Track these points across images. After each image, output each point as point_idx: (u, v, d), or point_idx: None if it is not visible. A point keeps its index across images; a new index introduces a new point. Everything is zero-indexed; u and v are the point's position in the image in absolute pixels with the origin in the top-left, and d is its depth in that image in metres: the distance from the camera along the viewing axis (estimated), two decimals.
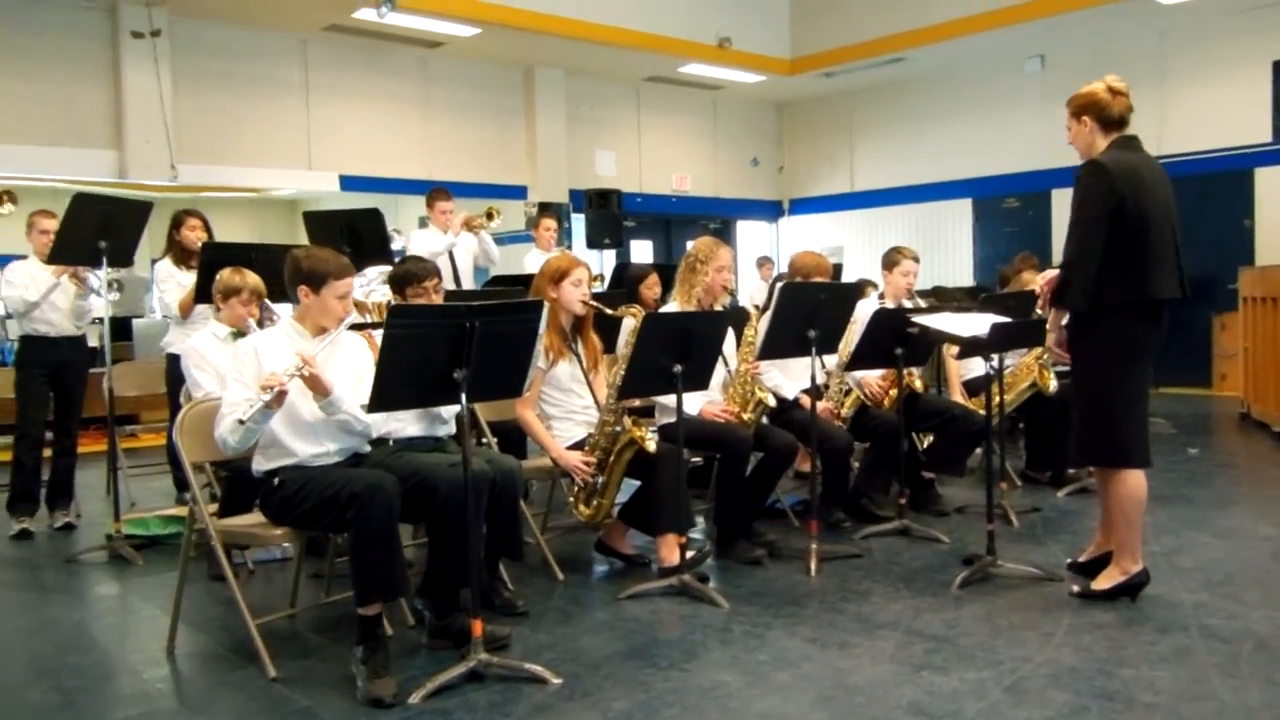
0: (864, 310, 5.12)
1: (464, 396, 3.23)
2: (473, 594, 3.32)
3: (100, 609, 4.41)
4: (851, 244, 14.41)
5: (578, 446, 4.40)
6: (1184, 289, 3.81)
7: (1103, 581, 3.91)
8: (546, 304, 4.28)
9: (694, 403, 4.65)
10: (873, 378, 5.37)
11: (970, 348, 4.46)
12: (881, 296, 5.71)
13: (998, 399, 4.89)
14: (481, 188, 11.71)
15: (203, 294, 5.08)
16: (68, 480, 5.76)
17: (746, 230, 15.51)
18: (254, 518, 3.65)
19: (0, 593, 4.64)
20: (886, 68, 12.85)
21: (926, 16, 11.74)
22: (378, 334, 3.53)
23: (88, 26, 9.51)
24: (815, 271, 5.24)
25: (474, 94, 12.04)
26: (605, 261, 11.18)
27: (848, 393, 5.38)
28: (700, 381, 4.27)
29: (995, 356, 4.44)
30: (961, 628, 3.64)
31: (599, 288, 7.45)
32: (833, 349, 4.96)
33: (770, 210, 15.46)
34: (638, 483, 4.48)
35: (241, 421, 3.27)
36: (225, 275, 4.70)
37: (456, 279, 7.37)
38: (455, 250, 7.41)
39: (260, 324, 4.79)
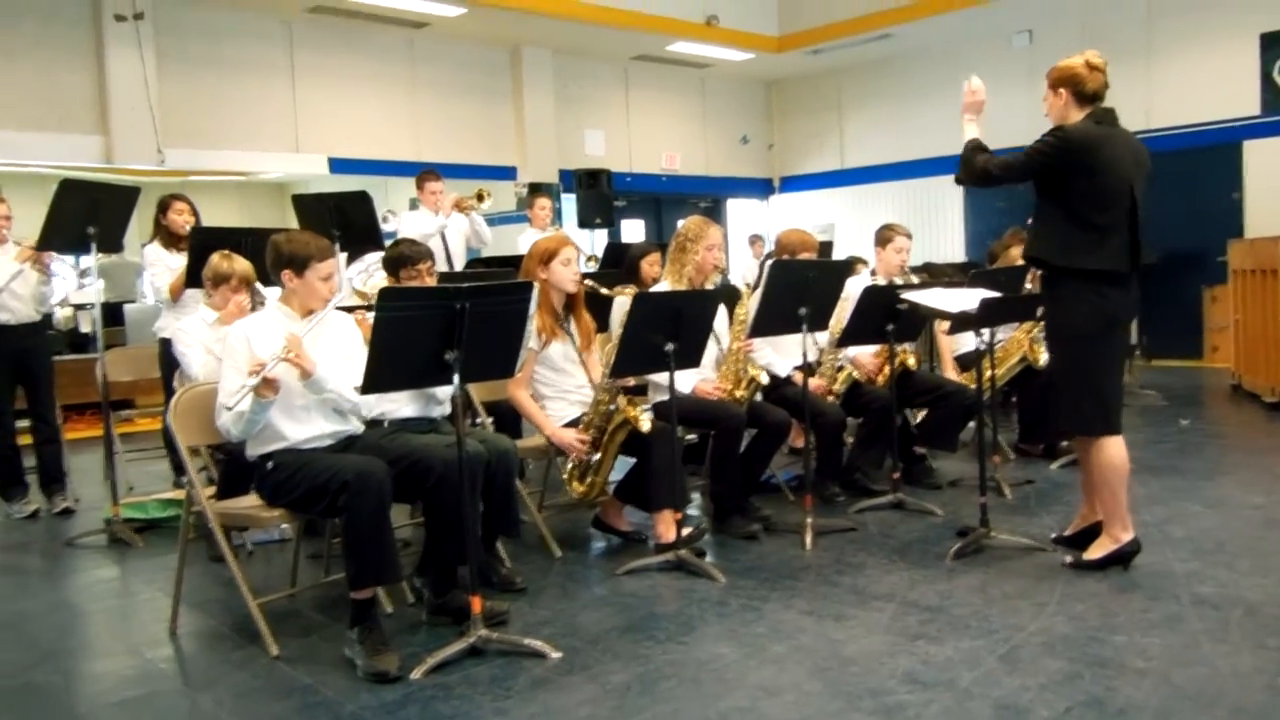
0: (855, 287, 5.14)
1: (456, 378, 3.25)
2: (470, 571, 3.35)
3: (101, 591, 4.43)
4: (842, 221, 14.42)
5: (572, 425, 4.42)
6: (1134, 263, 3.90)
7: (1095, 551, 3.96)
8: (537, 285, 4.29)
9: (687, 380, 4.67)
10: (866, 356, 5.40)
11: (961, 323, 4.49)
12: (874, 273, 5.73)
13: (989, 373, 4.93)
14: (470, 169, 11.68)
15: (193, 279, 5.08)
16: (57, 465, 5.76)
17: (737, 208, 15.51)
18: (251, 500, 3.67)
19: (2, 576, 4.66)
20: (874, 44, 12.83)
21: None
22: (369, 316, 3.55)
23: (70, 10, 9.42)
24: (801, 248, 5.26)
25: (461, 74, 11.98)
26: (596, 241, 11.17)
27: (840, 369, 5.40)
28: (692, 359, 4.30)
29: (986, 331, 4.47)
30: (955, 598, 3.68)
31: (593, 268, 7.47)
32: (823, 326, 4.98)
33: (761, 188, 15.45)
34: (633, 460, 4.51)
35: (229, 408, 3.30)
36: (214, 261, 4.70)
37: (449, 260, 7.38)
38: (447, 232, 7.41)
39: (252, 308, 4.80)
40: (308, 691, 3.11)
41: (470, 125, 12.06)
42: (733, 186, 15.12)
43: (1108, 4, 11.44)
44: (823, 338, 5.28)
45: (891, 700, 2.87)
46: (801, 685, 3.01)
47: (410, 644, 3.43)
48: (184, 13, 9.96)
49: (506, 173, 12.29)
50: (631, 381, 4.56)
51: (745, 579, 4.02)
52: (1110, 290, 3.87)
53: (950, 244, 13.20)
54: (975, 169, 4.02)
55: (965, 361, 5.97)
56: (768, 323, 4.55)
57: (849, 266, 5.48)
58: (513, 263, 6.35)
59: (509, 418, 5.05)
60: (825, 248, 9.00)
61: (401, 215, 7.91)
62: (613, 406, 4.31)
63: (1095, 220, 3.84)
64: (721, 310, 4.85)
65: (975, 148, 4.07)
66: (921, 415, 5.82)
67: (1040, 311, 4.19)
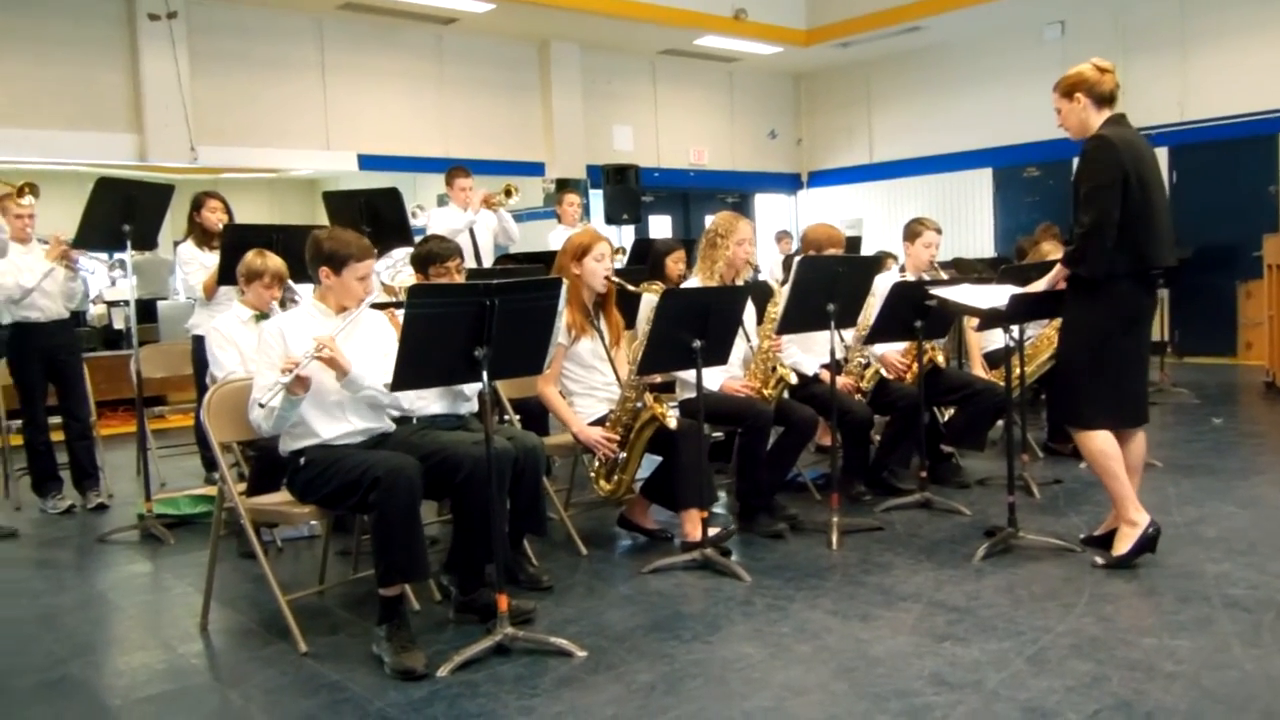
0: (883, 283, 5.11)
1: (485, 374, 3.26)
2: (497, 569, 3.36)
3: (134, 586, 4.49)
4: (871, 216, 14.35)
5: (599, 423, 4.43)
6: (1173, 257, 4.00)
7: (1120, 545, 3.94)
8: (567, 281, 4.30)
9: (715, 378, 4.67)
10: (894, 353, 5.37)
11: (990, 320, 4.47)
12: (902, 269, 5.69)
13: (1018, 371, 4.89)
14: (499, 165, 11.71)
15: (226, 275, 5.13)
16: (90, 461, 5.85)
17: (765, 203, 15.46)
18: (282, 496, 3.71)
19: (36, 571, 4.74)
20: (903, 37, 12.74)
21: None
22: (400, 313, 3.57)
23: (105, 10, 9.54)
24: (828, 244, 5.23)
25: (489, 70, 12.02)
26: (624, 236, 11.18)
27: (867, 366, 5.38)
28: (719, 356, 4.30)
29: (1015, 328, 4.44)
30: (983, 599, 3.66)
31: (620, 261, 7.47)
32: (852, 322, 4.96)
33: (789, 183, 15.39)
34: (659, 458, 4.52)
35: (262, 405, 3.33)
36: (248, 259, 4.74)
37: (477, 257, 7.41)
38: (475, 228, 7.44)
39: (283, 305, 4.85)
40: (335, 688, 3.14)
41: (498, 121, 12.10)
42: (760, 181, 15.08)
43: None
44: (850, 335, 5.26)
45: (918, 701, 2.86)
46: (827, 685, 3.00)
47: (437, 642, 3.45)
48: (216, 12, 10.06)
49: (534, 169, 12.31)
50: (659, 379, 4.55)
51: (771, 578, 4.02)
52: (1140, 288, 3.92)
53: (980, 239, 13.10)
54: (1086, 254, 3.86)
55: (994, 359, 5.93)
56: (796, 320, 4.53)
57: (878, 262, 5.45)
58: (542, 259, 6.37)
59: (536, 415, 5.06)
60: (854, 243, 8.97)
61: (430, 211, 7.95)
62: (640, 404, 4.31)
63: (1146, 219, 3.85)
64: (750, 307, 4.84)
65: (1066, 260, 3.99)
66: (950, 414, 5.78)
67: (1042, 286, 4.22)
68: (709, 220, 5.01)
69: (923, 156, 13.68)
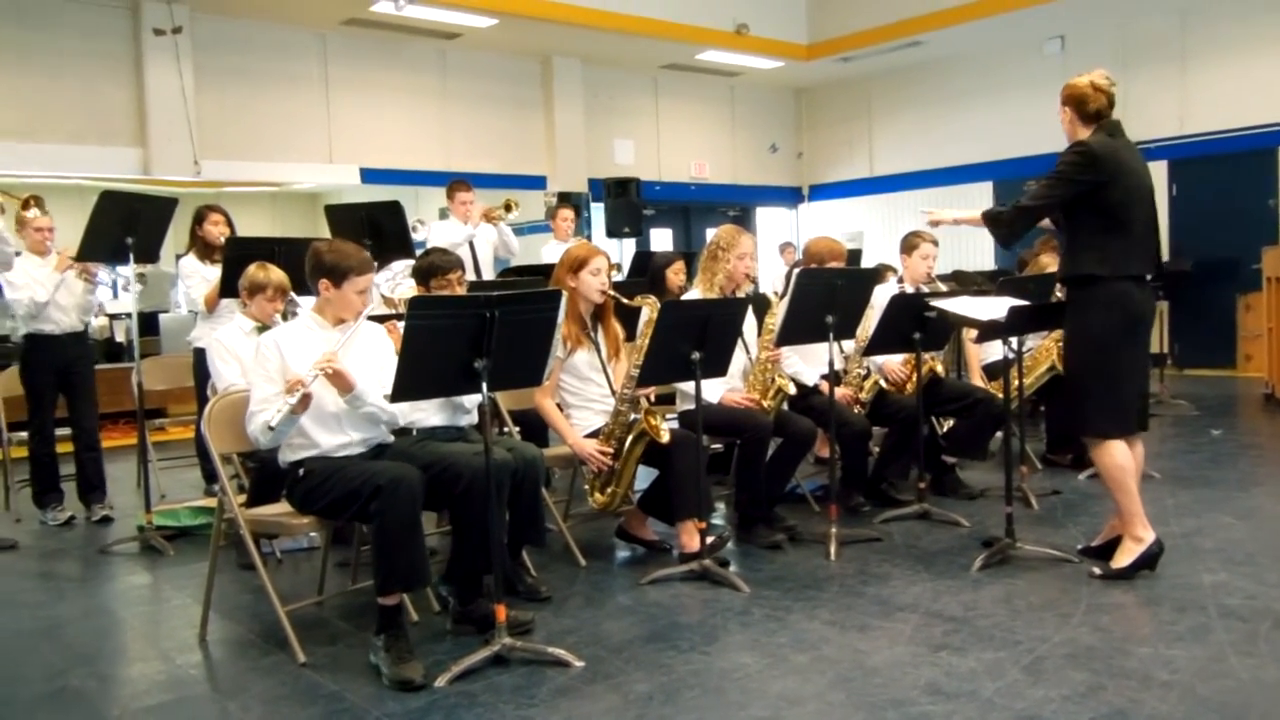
0: (882, 295, 5.14)
1: (484, 386, 3.28)
2: (495, 580, 3.37)
3: (133, 598, 4.50)
4: (872, 229, 14.38)
5: (595, 435, 4.45)
6: (1158, 267, 4.05)
7: (1121, 558, 3.95)
8: (565, 293, 4.32)
9: (715, 389, 4.69)
10: (894, 363, 5.40)
11: (989, 331, 4.49)
12: (900, 281, 5.71)
13: (1016, 382, 4.91)
14: (500, 178, 11.78)
15: (228, 289, 5.16)
16: (96, 473, 5.86)
17: (766, 217, 15.50)
18: (281, 507, 3.73)
19: (37, 582, 4.76)
20: (904, 51, 12.79)
21: None
22: (401, 325, 3.59)
23: (110, 24, 9.61)
24: (830, 257, 5.25)
25: (492, 85, 12.08)
26: (625, 250, 11.22)
27: (866, 377, 5.40)
28: (719, 368, 4.31)
29: (1014, 340, 4.46)
30: (980, 609, 3.67)
31: (617, 276, 7.50)
32: (850, 334, 4.98)
33: (790, 196, 15.44)
34: (657, 471, 4.53)
35: (272, 428, 3.34)
36: (251, 271, 4.77)
37: (477, 270, 7.45)
38: (475, 241, 7.48)
39: (285, 317, 4.87)
40: (334, 699, 3.15)
41: (500, 135, 12.15)
42: (761, 195, 15.13)
43: (1141, 10, 11.34)
44: (849, 346, 5.28)
45: (914, 711, 2.87)
46: (824, 695, 3.01)
47: (435, 652, 3.46)
48: (220, 26, 10.13)
49: (536, 182, 12.36)
50: (654, 393, 4.57)
51: (769, 589, 4.03)
52: (1136, 292, 3.95)
53: (980, 252, 13.10)
54: (1004, 217, 4.10)
55: (993, 370, 5.94)
56: (795, 331, 4.55)
57: (877, 274, 5.48)
58: (542, 272, 6.40)
59: (536, 427, 5.07)
60: (854, 256, 8.99)
61: (431, 224, 7.99)
62: (633, 417, 4.33)
63: (1125, 227, 3.92)
64: (750, 319, 4.86)
65: (986, 215, 4.18)
66: (949, 424, 5.79)
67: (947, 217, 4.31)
68: (710, 234, 5.03)
69: (923, 170, 13.72)
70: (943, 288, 5.63)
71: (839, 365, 5.09)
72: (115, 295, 10.63)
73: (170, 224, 5.61)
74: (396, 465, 3.43)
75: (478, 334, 3.22)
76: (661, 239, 14.16)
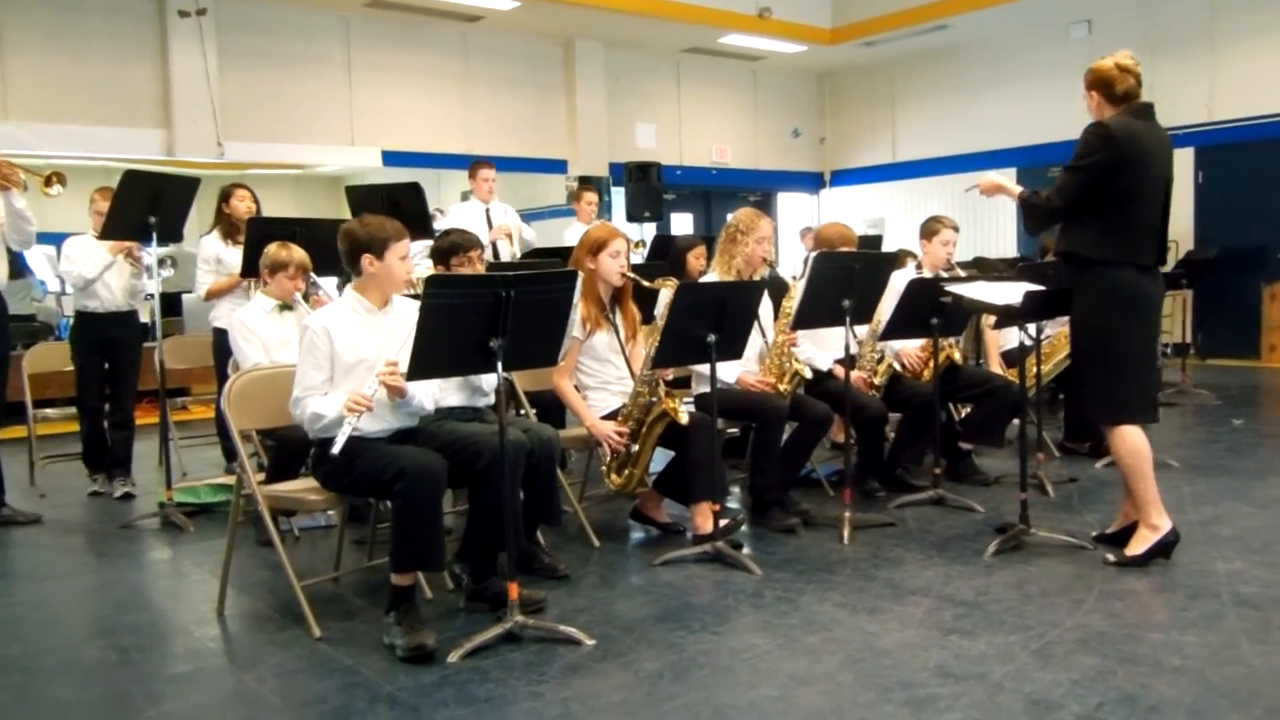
0: (900, 280, 5.12)
1: (500, 365, 3.30)
2: (509, 558, 3.40)
3: (154, 572, 4.57)
4: (893, 215, 14.32)
5: (612, 416, 4.47)
6: (1161, 258, 3.99)
7: (1136, 546, 3.93)
8: (582, 275, 4.34)
9: (731, 372, 4.70)
10: (912, 349, 5.38)
11: (1006, 317, 4.47)
12: (919, 267, 5.69)
13: (1034, 369, 4.89)
14: (521, 161, 11.81)
15: (249, 267, 5.21)
16: (125, 452, 5.95)
17: (787, 202, 15.46)
18: (299, 484, 3.77)
19: (61, 556, 4.83)
20: (929, 35, 12.71)
21: None
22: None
23: (135, 6, 9.68)
24: (840, 242, 5.24)
25: (514, 68, 12.09)
26: (645, 234, 11.22)
27: (880, 360, 5.39)
28: (734, 351, 4.32)
29: (1031, 326, 4.44)
30: (992, 594, 3.67)
31: (639, 256, 7.52)
32: (867, 319, 4.97)
33: (811, 182, 15.38)
34: (672, 453, 4.55)
35: (335, 450, 3.31)
36: (272, 250, 4.82)
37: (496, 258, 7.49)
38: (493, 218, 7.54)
39: (305, 297, 4.92)
40: (348, 672, 3.19)
41: (522, 119, 12.17)
42: (783, 180, 15.07)
43: None
44: (863, 330, 5.27)
45: (923, 692, 2.88)
46: (834, 676, 3.02)
47: (448, 629, 3.49)
48: (245, 9, 10.19)
49: (557, 166, 12.38)
50: (671, 374, 4.58)
51: (782, 571, 4.04)
52: (1140, 277, 3.91)
53: (1003, 239, 13.04)
54: (1039, 209, 4.01)
55: (1011, 357, 5.91)
56: (811, 315, 4.54)
57: (894, 259, 5.46)
58: (565, 254, 6.42)
59: (553, 408, 5.10)
60: (875, 242, 8.97)
61: (450, 210, 8.04)
62: (652, 399, 4.34)
63: (1131, 213, 3.86)
64: (766, 302, 4.86)
65: (1024, 197, 4.07)
66: (966, 411, 5.78)
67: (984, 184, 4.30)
68: (730, 217, 5.03)
69: (946, 156, 13.63)
70: (962, 274, 5.61)
71: (854, 349, 5.09)
72: (160, 275, 10.75)
73: (194, 203, 5.66)
74: (422, 452, 3.44)
75: (493, 313, 3.23)
76: (682, 223, 14.15)
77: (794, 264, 12.21)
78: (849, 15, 12.99)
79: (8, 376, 5.38)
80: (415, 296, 3.84)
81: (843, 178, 15.25)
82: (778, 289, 5.19)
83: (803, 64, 14.26)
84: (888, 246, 9.41)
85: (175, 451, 5.87)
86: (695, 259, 6.55)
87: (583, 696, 2.94)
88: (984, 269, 7.20)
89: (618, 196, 12.27)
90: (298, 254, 4.82)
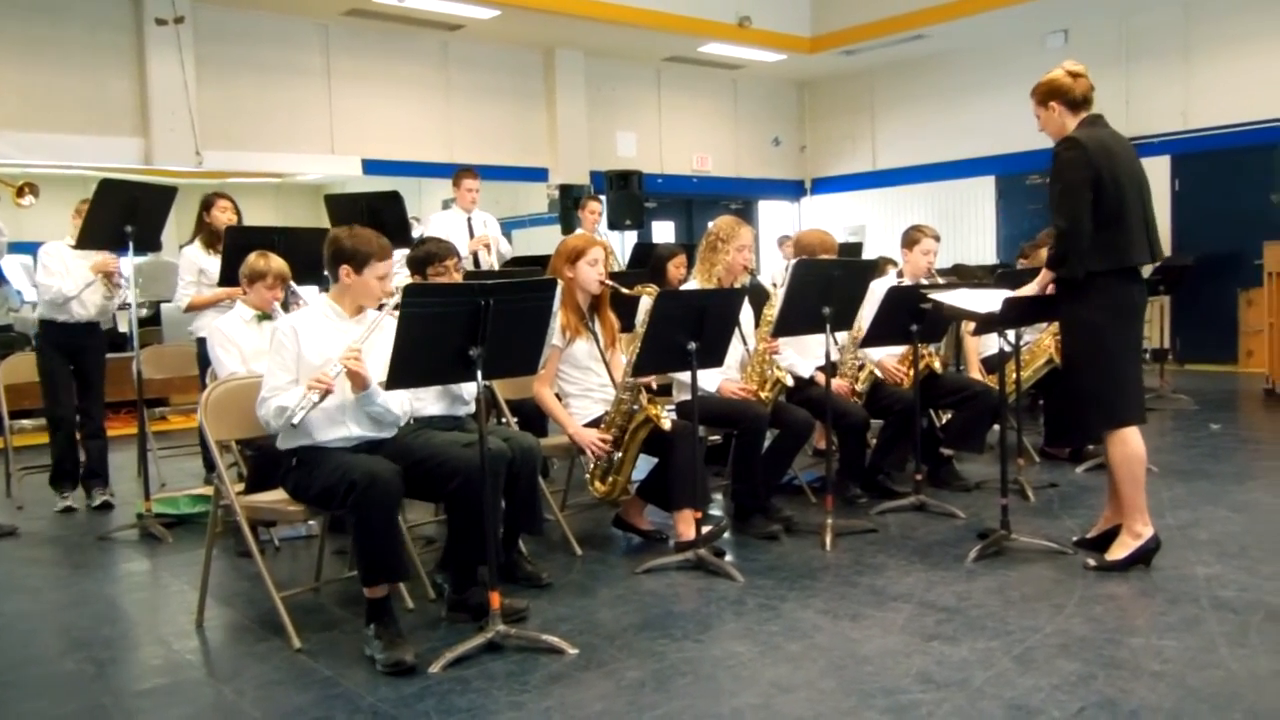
0: (880, 288, 5.14)
1: (479, 374, 3.29)
2: (490, 567, 3.39)
3: (132, 584, 4.52)
4: (874, 223, 14.37)
5: (594, 424, 4.46)
6: (1154, 254, 3.99)
7: (1117, 551, 3.95)
8: (561, 283, 4.33)
9: (712, 379, 4.70)
10: (890, 360, 5.39)
11: (986, 324, 4.49)
12: (900, 274, 5.71)
13: (1013, 375, 4.91)
14: (503, 170, 11.80)
15: (228, 278, 5.18)
16: (100, 461, 5.89)
17: (768, 210, 15.49)
18: (278, 494, 3.74)
19: (37, 569, 4.78)
20: (908, 45, 12.77)
21: None
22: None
23: (112, 15, 9.61)
24: (820, 249, 5.27)
25: (494, 77, 12.08)
26: (626, 242, 11.23)
27: (861, 367, 5.40)
28: (715, 358, 4.32)
29: (1011, 332, 4.46)
30: (973, 599, 3.68)
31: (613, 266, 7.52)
32: (847, 326, 4.97)
33: (792, 190, 15.42)
34: (655, 460, 4.54)
35: (295, 425, 3.34)
36: (251, 259, 4.79)
37: (476, 263, 7.46)
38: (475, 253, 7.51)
39: (285, 307, 4.89)
40: (328, 684, 3.17)
41: (502, 127, 12.15)
42: (764, 188, 15.11)
43: (1144, 3, 11.31)
44: (844, 337, 5.28)
45: (905, 699, 2.88)
46: (815, 683, 3.02)
47: (430, 639, 3.48)
48: (222, 17, 10.13)
49: (538, 174, 12.38)
50: (654, 383, 4.58)
51: (764, 578, 4.04)
52: (1127, 283, 3.94)
53: (982, 246, 13.12)
54: (1067, 256, 3.91)
55: (991, 363, 5.94)
56: (791, 322, 4.55)
57: (873, 266, 5.48)
58: (542, 261, 6.42)
59: (534, 417, 5.09)
60: (856, 250, 9.01)
61: (429, 218, 8.03)
62: (635, 406, 4.34)
63: (1118, 219, 3.88)
64: (747, 310, 4.87)
65: (1049, 266, 4.03)
66: (947, 417, 5.80)
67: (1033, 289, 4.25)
68: (710, 225, 5.03)
69: (926, 164, 13.71)
70: (941, 281, 5.63)
71: (834, 357, 5.10)
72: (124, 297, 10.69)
73: (170, 212, 5.62)
74: (375, 461, 3.39)
75: (472, 322, 3.22)
76: (664, 232, 14.16)
77: (773, 272, 12.27)
78: (828, 24, 13.04)
79: None
80: (380, 308, 3.74)
81: (823, 186, 15.30)
82: (758, 297, 5.20)
83: (783, 73, 14.31)
84: (868, 254, 9.45)
85: (154, 462, 5.83)
86: (675, 268, 6.54)
87: (565, 706, 2.93)
88: (963, 276, 7.24)
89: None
90: (276, 263, 4.79)
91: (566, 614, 3.71)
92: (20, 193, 5.31)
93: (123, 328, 9.75)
